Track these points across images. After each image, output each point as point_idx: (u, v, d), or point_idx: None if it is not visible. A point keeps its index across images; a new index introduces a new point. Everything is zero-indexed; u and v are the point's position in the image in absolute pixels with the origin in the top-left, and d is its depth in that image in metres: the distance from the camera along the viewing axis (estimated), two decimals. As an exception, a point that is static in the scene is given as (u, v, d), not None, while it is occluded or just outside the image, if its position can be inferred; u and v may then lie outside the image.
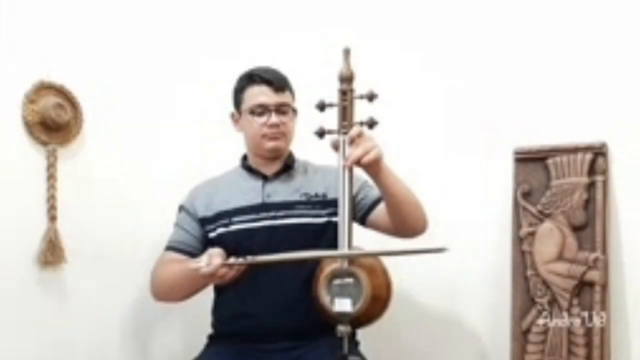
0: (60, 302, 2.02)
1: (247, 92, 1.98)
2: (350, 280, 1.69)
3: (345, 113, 1.75)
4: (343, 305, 1.65)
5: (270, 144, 1.97)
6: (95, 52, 2.10)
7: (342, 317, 1.66)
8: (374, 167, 1.74)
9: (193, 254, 1.96)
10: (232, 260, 1.76)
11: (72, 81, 2.03)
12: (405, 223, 1.87)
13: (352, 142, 1.71)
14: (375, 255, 1.78)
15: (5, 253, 1.90)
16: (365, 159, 1.69)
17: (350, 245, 1.72)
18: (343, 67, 1.76)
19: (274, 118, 1.94)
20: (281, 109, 1.96)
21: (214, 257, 1.75)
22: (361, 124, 1.75)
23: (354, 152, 1.69)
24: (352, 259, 1.72)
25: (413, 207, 1.87)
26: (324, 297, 1.70)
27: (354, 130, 1.72)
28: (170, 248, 1.99)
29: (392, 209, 1.85)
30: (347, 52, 1.76)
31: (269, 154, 1.99)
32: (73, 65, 2.04)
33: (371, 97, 1.75)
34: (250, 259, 1.75)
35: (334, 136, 1.75)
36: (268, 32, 2.45)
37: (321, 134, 1.76)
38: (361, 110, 1.75)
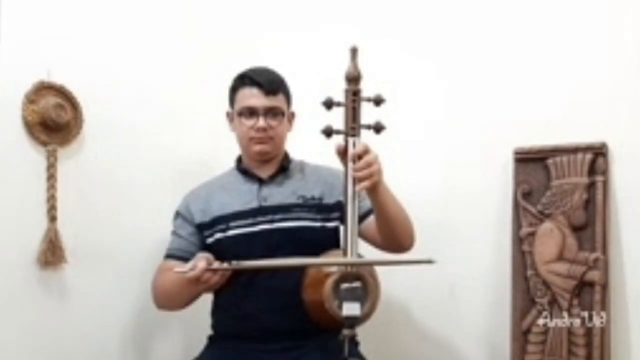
0: (60, 302, 2.01)
1: (238, 93, 1.98)
2: (358, 284, 1.67)
3: (354, 114, 1.72)
4: (352, 309, 1.62)
5: (257, 148, 1.96)
6: (96, 53, 2.09)
7: (349, 321, 1.65)
8: (371, 186, 1.73)
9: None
10: (216, 264, 1.76)
11: (72, 81, 2.02)
12: (394, 240, 1.87)
13: (356, 158, 1.69)
14: (367, 264, 1.76)
15: (5, 253, 1.90)
16: (361, 187, 1.68)
17: (356, 252, 1.70)
18: (350, 66, 1.74)
19: (262, 122, 1.93)
20: (270, 112, 1.94)
21: (198, 261, 1.76)
22: (368, 127, 1.73)
23: (357, 174, 1.68)
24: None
25: (403, 225, 1.87)
26: (331, 302, 1.67)
27: (359, 148, 1.70)
28: (168, 256, 1.99)
29: (382, 225, 1.85)
30: (354, 51, 1.74)
31: (255, 157, 1.99)
32: (73, 65, 2.04)
33: (378, 101, 1.73)
34: (234, 264, 1.75)
35: (340, 141, 1.72)
36: (267, 31, 2.45)
37: (328, 133, 1.72)
38: (365, 112, 1.74)
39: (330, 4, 2.46)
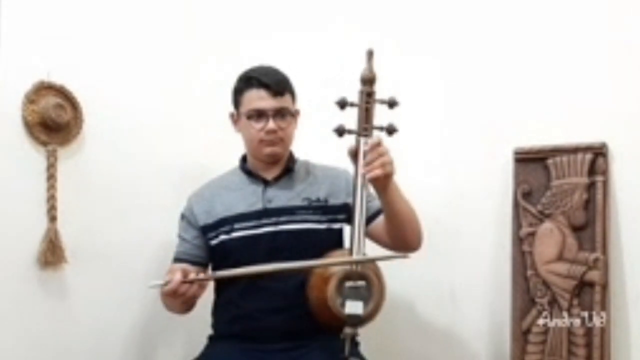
0: (60, 302, 2.02)
1: (245, 95, 1.94)
2: (362, 283, 1.68)
3: (367, 115, 1.73)
4: (354, 307, 1.64)
5: (268, 150, 1.95)
6: (96, 53, 2.10)
7: (351, 319, 1.65)
8: (382, 182, 1.73)
9: (198, 263, 1.97)
10: (192, 276, 1.77)
11: (72, 81, 2.02)
12: (401, 240, 1.87)
13: (369, 150, 1.70)
14: (340, 264, 1.75)
15: (5, 253, 1.90)
16: (373, 174, 1.69)
17: (363, 252, 1.71)
18: (366, 68, 1.75)
19: (272, 124, 1.91)
20: (279, 113, 1.93)
21: (174, 274, 1.77)
22: (381, 129, 1.74)
23: (373, 164, 1.68)
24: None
25: (412, 225, 1.87)
26: (334, 300, 1.68)
27: (374, 140, 1.71)
28: (176, 259, 1.99)
29: (392, 224, 1.85)
30: (370, 54, 1.75)
31: (266, 159, 1.98)
32: (73, 65, 2.04)
33: (392, 103, 1.74)
34: (210, 274, 1.80)
35: (352, 143, 1.73)
36: (268, 32, 2.45)
37: (341, 132, 1.73)
38: (377, 114, 1.75)
39: (330, 5, 2.46)
